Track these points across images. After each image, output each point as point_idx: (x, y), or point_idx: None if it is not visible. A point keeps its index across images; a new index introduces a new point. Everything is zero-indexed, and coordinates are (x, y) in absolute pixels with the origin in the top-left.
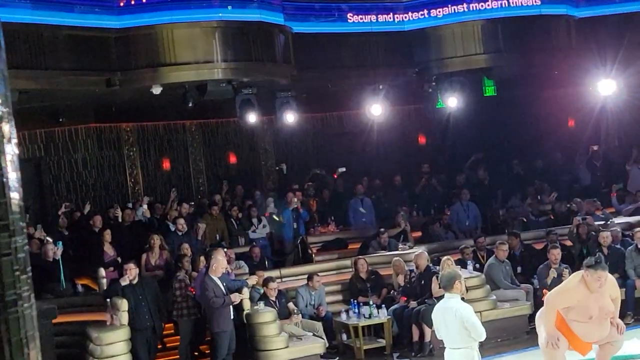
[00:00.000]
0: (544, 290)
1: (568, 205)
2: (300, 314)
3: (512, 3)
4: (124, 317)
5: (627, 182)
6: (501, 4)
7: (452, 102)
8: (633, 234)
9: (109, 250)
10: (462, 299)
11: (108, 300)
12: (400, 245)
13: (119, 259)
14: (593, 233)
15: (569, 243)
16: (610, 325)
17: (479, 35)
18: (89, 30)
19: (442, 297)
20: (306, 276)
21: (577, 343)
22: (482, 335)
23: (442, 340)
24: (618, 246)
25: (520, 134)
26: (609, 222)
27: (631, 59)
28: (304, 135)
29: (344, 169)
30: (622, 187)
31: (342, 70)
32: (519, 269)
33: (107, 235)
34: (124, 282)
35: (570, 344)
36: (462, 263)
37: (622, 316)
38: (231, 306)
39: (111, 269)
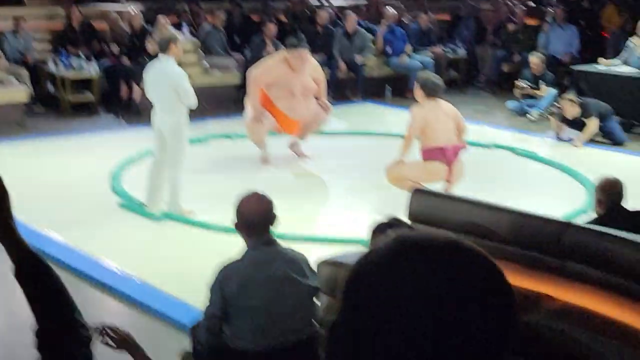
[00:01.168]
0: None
1: None
2: (4, 58)
3: None
4: None
5: None
6: None
7: None
8: (345, 18)
9: None
10: (179, 64)
11: None
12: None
13: None
14: (307, 12)
15: (283, 18)
16: (318, 105)
17: None
18: None
19: (156, 55)
20: (13, 18)
21: (283, 120)
22: (193, 101)
23: (151, 100)
24: (331, 27)
25: None
26: (324, 3)
27: None
28: None
29: None
30: None
31: None
32: (236, 39)
33: None
34: None
35: (277, 122)
36: (177, 26)
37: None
38: None
39: None
